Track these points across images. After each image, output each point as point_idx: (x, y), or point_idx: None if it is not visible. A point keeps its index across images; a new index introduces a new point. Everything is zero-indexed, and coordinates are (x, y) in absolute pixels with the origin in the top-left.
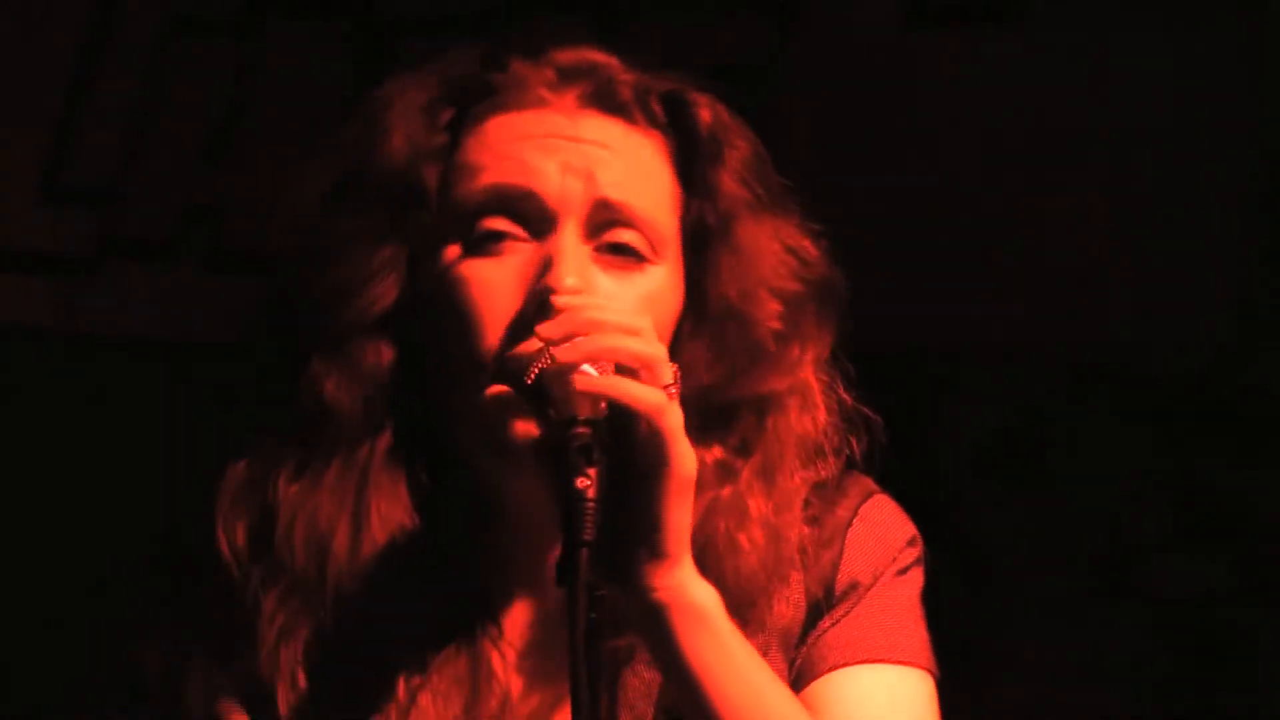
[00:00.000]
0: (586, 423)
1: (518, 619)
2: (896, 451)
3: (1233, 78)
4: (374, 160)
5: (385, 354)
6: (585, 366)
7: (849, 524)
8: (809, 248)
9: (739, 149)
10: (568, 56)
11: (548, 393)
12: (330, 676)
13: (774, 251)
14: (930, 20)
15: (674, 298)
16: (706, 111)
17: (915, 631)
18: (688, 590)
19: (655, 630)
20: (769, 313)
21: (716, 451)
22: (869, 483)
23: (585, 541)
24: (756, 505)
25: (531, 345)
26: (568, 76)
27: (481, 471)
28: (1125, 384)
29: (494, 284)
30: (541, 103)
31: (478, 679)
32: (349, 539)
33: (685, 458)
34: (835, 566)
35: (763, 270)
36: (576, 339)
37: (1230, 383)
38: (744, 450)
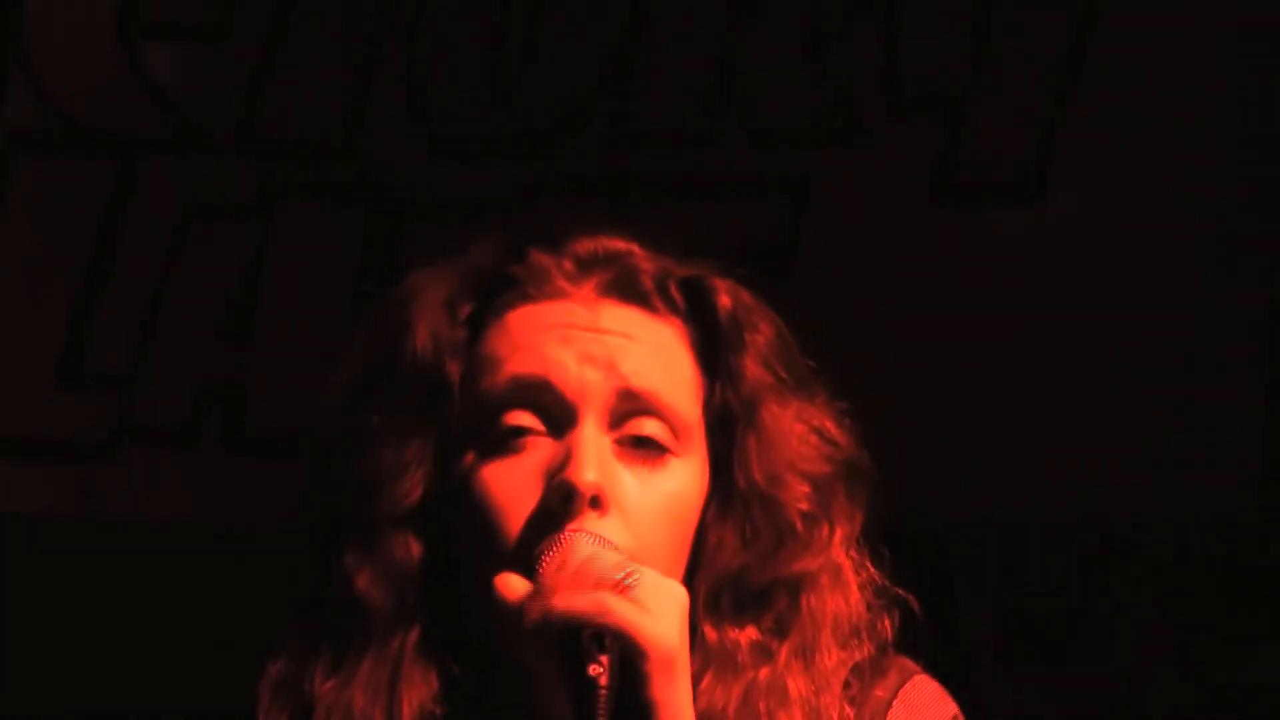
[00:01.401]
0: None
1: None
2: (914, 631)
3: (1248, 253)
4: (398, 356)
5: (415, 548)
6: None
7: (888, 705)
8: (836, 428)
9: (761, 333)
10: (586, 246)
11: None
12: None
13: (800, 434)
14: (954, 196)
15: (698, 487)
16: (727, 297)
17: None
18: None
19: None
20: (797, 495)
21: (751, 633)
22: (908, 663)
23: None
24: (796, 686)
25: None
26: (586, 266)
27: (508, 663)
28: (1142, 563)
29: (516, 483)
30: (561, 294)
31: None
32: None
33: (657, 642)
34: None
35: (789, 453)
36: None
37: (1248, 562)
38: (779, 631)
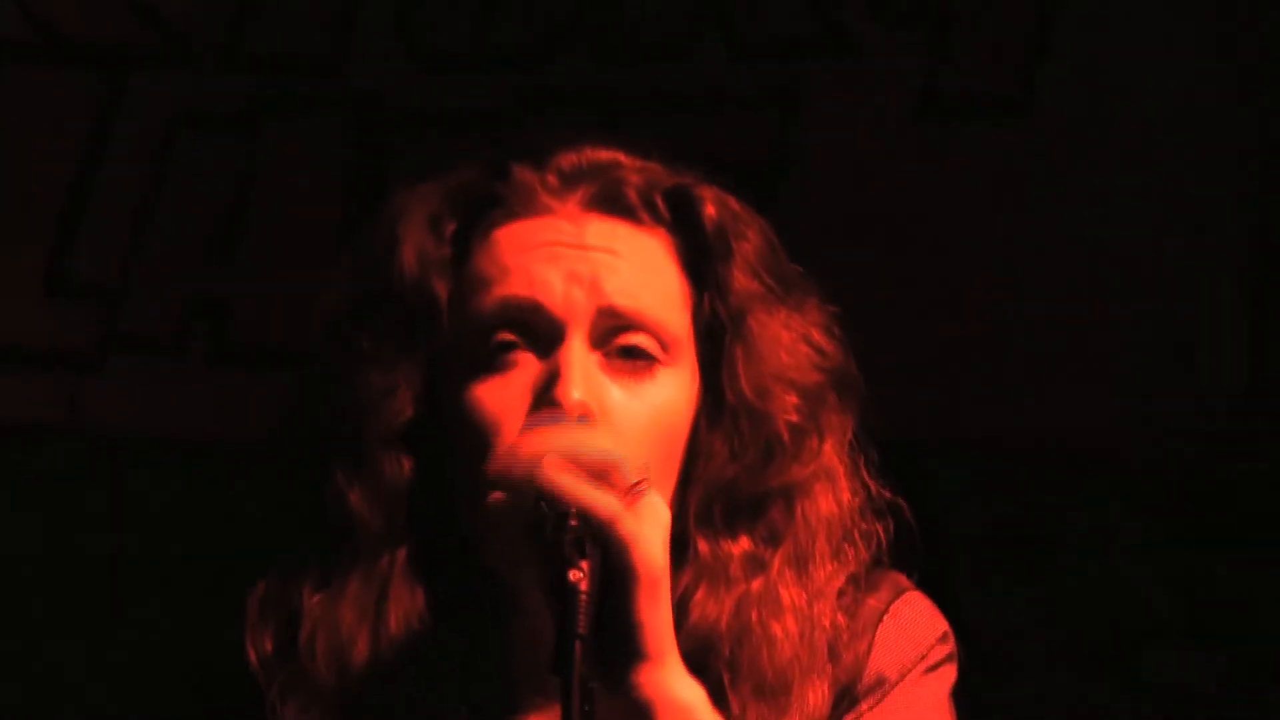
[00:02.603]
0: (579, 515)
1: None
2: (898, 546)
3: (1231, 169)
4: (385, 275)
5: (405, 466)
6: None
7: (880, 619)
8: (824, 336)
9: (749, 241)
10: (569, 159)
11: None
12: None
13: (788, 343)
14: (942, 113)
15: (688, 397)
16: (713, 206)
17: None
18: (672, 689)
19: None
20: (786, 405)
21: (744, 543)
22: (901, 578)
23: (579, 634)
24: (789, 595)
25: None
26: (571, 180)
27: (495, 579)
28: (1125, 475)
29: (504, 401)
30: (546, 209)
31: None
32: (368, 649)
33: (648, 561)
34: (863, 660)
35: (778, 363)
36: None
37: (1228, 473)
38: (773, 540)
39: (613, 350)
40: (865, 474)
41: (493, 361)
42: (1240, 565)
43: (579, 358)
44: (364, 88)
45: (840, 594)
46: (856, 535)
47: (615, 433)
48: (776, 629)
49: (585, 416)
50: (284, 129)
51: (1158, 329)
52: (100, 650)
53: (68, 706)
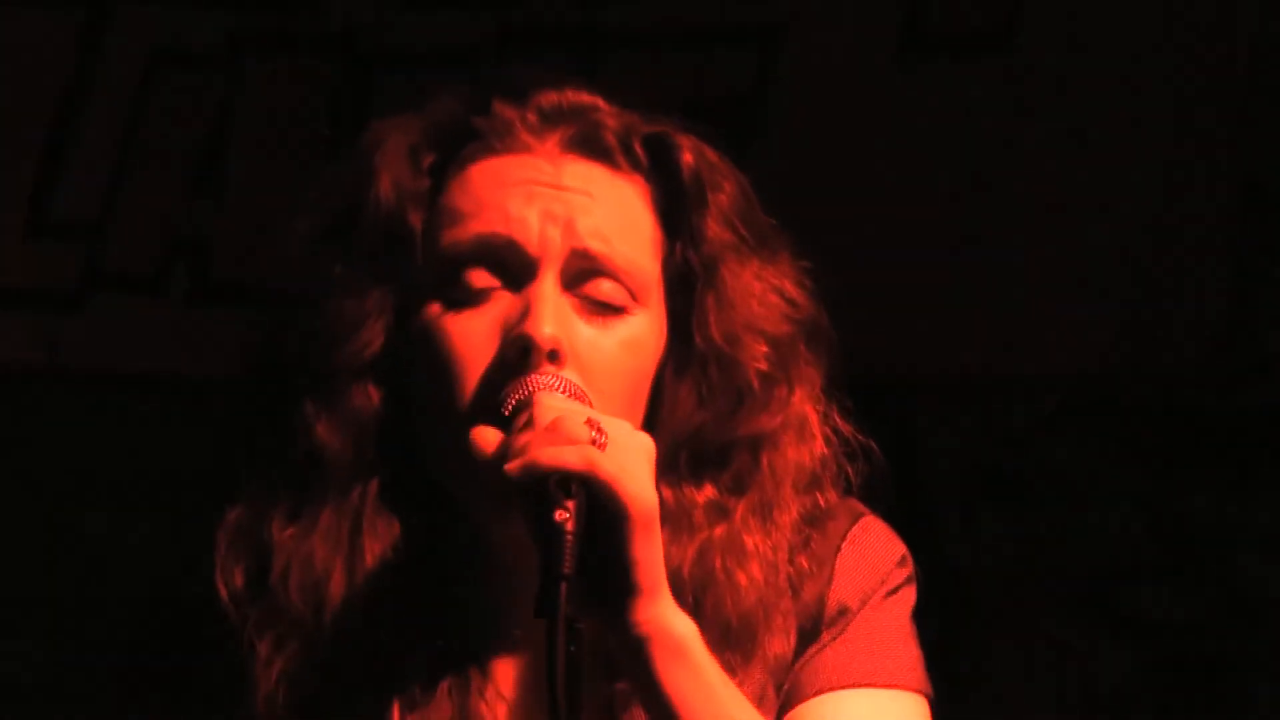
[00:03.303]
0: (559, 479)
1: (507, 661)
2: (879, 481)
3: (1215, 107)
4: (361, 204)
5: (374, 397)
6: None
7: (838, 549)
8: (796, 287)
9: (724, 191)
10: (550, 99)
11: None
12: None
13: (759, 294)
14: (923, 48)
15: (655, 342)
16: (690, 155)
17: (905, 653)
18: (666, 622)
19: (636, 663)
20: (755, 355)
21: (709, 491)
22: (856, 505)
23: (564, 575)
24: (754, 542)
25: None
26: (550, 119)
27: (470, 513)
28: (1106, 412)
29: (475, 335)
30: (525, 147)
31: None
32: (344, 582)
33: (638, 499)
34: (824, 593)
35: (748, 313)
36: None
37: (1207, 410)
38: (738, 488)
39: (584, 294)
40: (839, 421)
41: (465, 295)
42: (1218, 501)
43: (550, 294)
44: (345, 23)
45: (801, 534)
46: (827, 480)
47: (583, 370)
48: (741, 576)
49: (555, 353)
50: (265, 65)
51: (1138, 266)
52: (80, 591)
53: (43, 644)
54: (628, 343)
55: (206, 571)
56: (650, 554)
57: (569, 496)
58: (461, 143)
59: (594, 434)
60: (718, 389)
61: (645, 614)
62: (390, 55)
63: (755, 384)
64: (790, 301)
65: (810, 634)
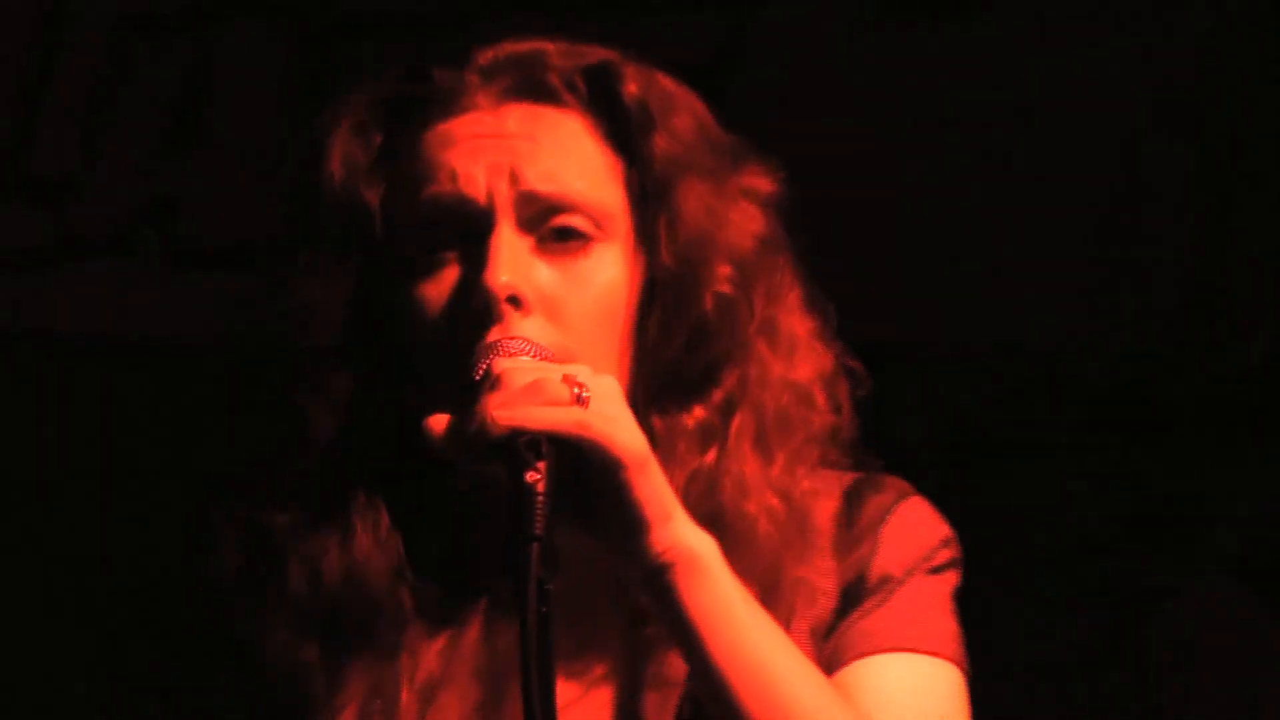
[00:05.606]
0: (548, 440)
1: (508, 627)
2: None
3: (1185, 78)
4: (318, 188)
5: (354, 375)
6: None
7: (884, 520)
8: (757, 203)
9: (675, 113)
10: (487, 56)
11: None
12: (328, 696)
13: (719, 212)
14: (899, 12)
15: (624, 273)
16: (633, 82)
17: (946, 625)
18: (685, 543)
19: (658, 593)
20: (718, 276)
21: (698, 413)
22: (905, 484)
23: (536, 535)
24: (752, 468)
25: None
26: (489, 74)
27: (454, 483)
28: (1073, 381)
29: (441, 298)
30: (467, 108)
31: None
32: (339, 561)
33: (630, 448)
34: (869, 560)
35: (703, 233)
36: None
37: (1177, 378)
38: (727, 411)
39: (545, 234)
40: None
41: (426, 262)
42: (1189, 469)
43: (506, 243)
44: None
45: (847, 496)
46: (822, 402)
47: (550, 311)
48: (750, 507)
49: (515, 298)
50: (234, 30)
51: (1107, 234)
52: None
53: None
54: (597, 281)
55: (196, 551)
56: (653, 489)
57: (540, 458)
58: (408, 115)
59: (575, 389)
60: (685, 313)
61: (662, 541)
62: (358, 22)
63: (710, 305)
64: (752, 216)
65: (852, 598)
